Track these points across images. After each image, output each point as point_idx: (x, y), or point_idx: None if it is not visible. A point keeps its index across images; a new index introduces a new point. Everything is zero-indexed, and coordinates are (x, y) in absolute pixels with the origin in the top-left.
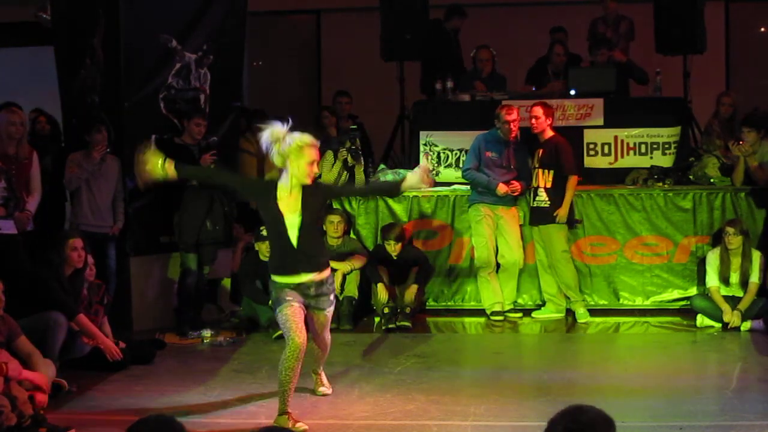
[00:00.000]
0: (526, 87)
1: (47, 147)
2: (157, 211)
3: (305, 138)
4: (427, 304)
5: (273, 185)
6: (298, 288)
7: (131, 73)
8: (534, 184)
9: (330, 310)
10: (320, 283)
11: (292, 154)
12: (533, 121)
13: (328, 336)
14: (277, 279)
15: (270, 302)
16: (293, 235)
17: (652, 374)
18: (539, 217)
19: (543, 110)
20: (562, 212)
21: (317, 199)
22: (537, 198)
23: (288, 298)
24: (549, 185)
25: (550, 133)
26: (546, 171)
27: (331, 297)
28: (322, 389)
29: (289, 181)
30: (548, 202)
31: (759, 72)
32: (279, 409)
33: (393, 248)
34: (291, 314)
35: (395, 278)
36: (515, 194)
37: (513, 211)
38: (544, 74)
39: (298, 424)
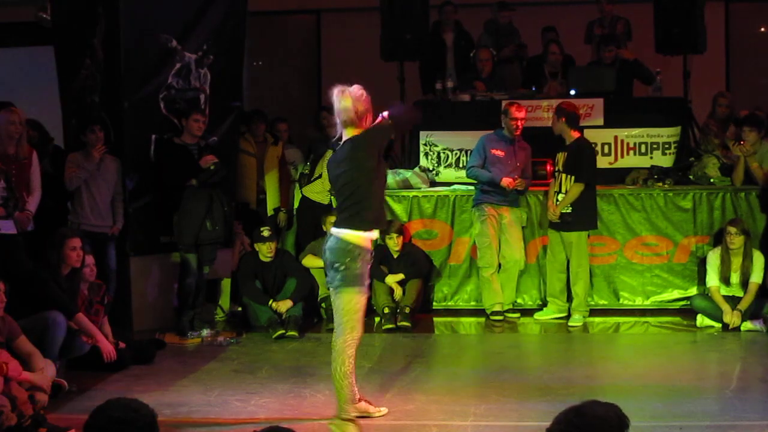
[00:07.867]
0: (526, 87)
1: (41, 151)
2: (157, 211)
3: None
4: (427, 304)
5: None
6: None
7: (131, 73)
8: (555, 188)
9: None
10: None
11: None
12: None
13: None
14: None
15: (270, 302)
16: None
17: (652, 374)
18: (562, 223)
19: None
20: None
21: None
22: (559, 203)
23: None
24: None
25: (574, 136)
26: (569, 177)
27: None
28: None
29: None
30: (569, 209)
31: (759, 72)
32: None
33: (395, 242)
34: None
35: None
36: (520, 189)
37: (517, 213)
38: (540, 75)
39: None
